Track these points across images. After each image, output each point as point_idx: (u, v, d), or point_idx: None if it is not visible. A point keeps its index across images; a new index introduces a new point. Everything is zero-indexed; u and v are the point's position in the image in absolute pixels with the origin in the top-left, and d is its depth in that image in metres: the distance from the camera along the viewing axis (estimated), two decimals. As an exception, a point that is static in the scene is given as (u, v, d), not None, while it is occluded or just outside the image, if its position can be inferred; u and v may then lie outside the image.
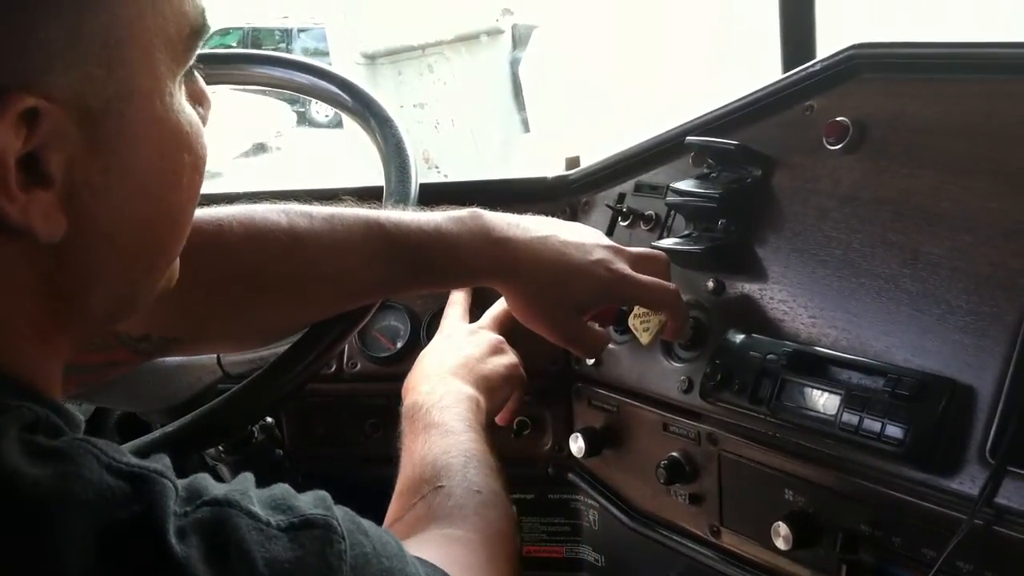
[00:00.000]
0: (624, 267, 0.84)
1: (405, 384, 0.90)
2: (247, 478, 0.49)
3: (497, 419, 0.97)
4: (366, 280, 0.77)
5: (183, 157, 0.50)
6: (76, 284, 0.48)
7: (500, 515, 0.74)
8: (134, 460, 0.44)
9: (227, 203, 0.75)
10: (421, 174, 0.89)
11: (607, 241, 0.87)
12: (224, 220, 0.72)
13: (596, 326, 0.93)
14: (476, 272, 0.82)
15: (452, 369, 0.90)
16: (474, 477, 0.76)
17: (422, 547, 0.60)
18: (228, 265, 0.73)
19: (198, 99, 0.53)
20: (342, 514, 0.49)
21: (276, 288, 0.75)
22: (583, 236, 0.85)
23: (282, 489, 0.49)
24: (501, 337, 0.96)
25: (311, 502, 0.48)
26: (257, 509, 0.45)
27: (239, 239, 0.72)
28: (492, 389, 0.90)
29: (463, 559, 0.65)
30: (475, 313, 1.03)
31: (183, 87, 0.51)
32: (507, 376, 0.93)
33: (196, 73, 0.53)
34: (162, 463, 0.45)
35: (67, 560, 0.39)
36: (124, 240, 0.49)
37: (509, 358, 0.94)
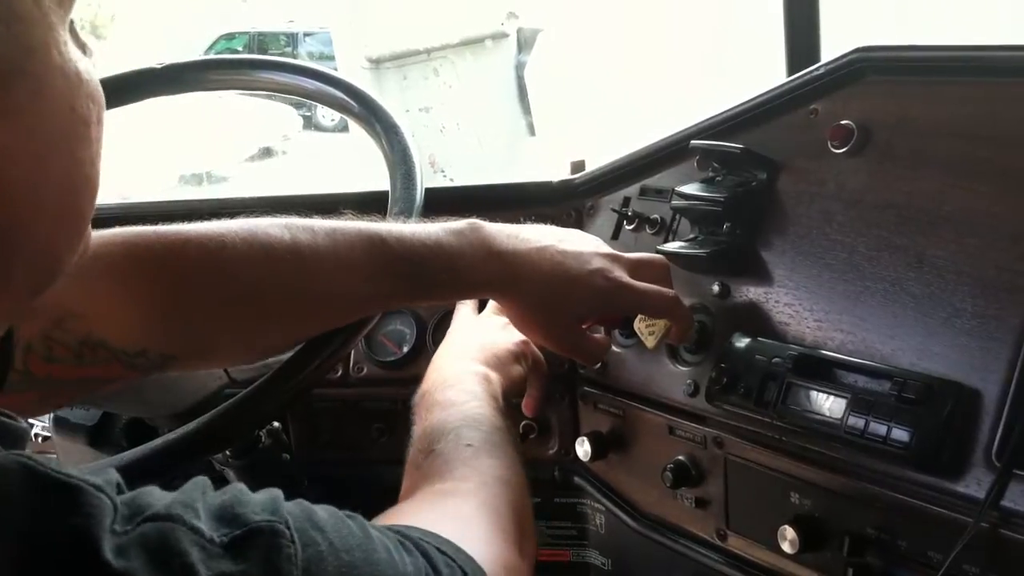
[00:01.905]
0: (622, 275, 0.84)
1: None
2: (198, 484, 0.47)
3: (524, 409, 0.98)
4: (367, 295, 0.76)
5: (90, 106, 0.48)
6: (1, 257, 0.45)
7: (495, 463, 0.74)
8: (72, 471, 0.42)
9: (224, 209, 0.74)
10: (427, 178, 0.89)
11: (606, 249, 0.86)
12: (227, 236, 0.72)
13: (601, 330, 0.93)
14: (476, 286, 0.83)
15: (459, 353, 0.91)
16: (468, 433, 0.75)
17: (413, 508, 0.60)
18: (230, 281, 0.73)
19: (81, 49, 0.50)
20: (297, 512, 0.47)
21: (278, 304, 0.74)
22: (582, 245, 0.85)
23: (232, 494, 0.47)
24: (507, 319, 0.96)
25: (259, 506, 0.47)
26: (201, 525, 0.43)
27: (241, 255, 0.72)
28: (503, 364, 0.91)
29: (453, 510, 0.64)
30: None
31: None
32: (516, 352, 0.93)
33: (71, 24, 0.49)
34: (104, 478, 0.43)
35: None
36: (43, 202, 0.46)
37: (518, 335, 0.94)
